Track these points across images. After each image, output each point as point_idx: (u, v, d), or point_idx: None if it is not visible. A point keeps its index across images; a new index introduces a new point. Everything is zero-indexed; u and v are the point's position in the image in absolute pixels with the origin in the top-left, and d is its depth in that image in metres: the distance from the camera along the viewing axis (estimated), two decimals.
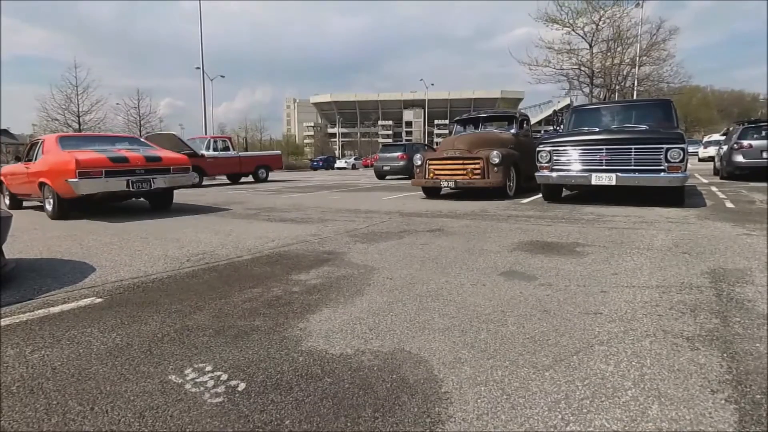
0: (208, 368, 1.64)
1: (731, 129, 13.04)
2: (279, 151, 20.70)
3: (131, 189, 6.23)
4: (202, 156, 14.06)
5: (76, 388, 1.52)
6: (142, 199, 7.77)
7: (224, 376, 1.58)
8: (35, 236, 4.66)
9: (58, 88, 29.24)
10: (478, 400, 1.39)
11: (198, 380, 1.56)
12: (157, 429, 1.28)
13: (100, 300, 2.49)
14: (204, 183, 14.46)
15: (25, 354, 1.80)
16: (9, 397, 1.47)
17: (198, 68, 26.06)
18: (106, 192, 6.10)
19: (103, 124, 31.51)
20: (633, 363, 1.61)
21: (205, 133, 23.74)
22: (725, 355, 1.66)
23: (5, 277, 2.82)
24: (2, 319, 2.20)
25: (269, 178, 16.91)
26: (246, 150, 24.24)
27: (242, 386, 1.51)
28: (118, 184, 6.11)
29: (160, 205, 7.41)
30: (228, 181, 16.14)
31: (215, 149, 14.82)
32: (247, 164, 15.87)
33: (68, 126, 29.82)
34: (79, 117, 29.70)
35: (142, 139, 8.36)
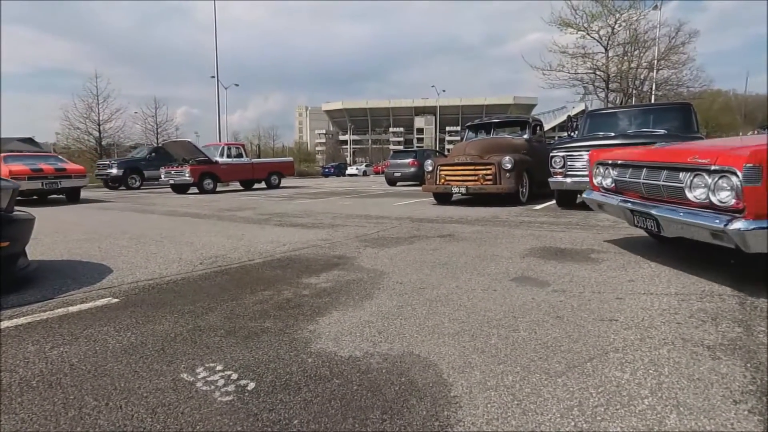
0: (219, 367, 1.66)
1: (755, 134, 12.70)
2: (291, 158, 20.90)
3: (44, 188, 10.40)
4: (216, 162, 14.25)
5: (92, 383, 1.55)
6: (63, 196, 11.43)
7: (234, 376, 1.59)
8: (56, 239, 4.78)
9: (80, 97, 30.04)
10: (488, 405, 1.37)
11: (209, 379, 1.57)
12: (169, 425, 1.30)
13: (116, 300, 2.54)
14: (218, 189, 14.65)
15: (44, 350, 1.85)
16: (29, 391, 1.50)
17: (213, 77, 26.55)
18: (29, 189, 10.07)
19: (122, 132, 32.25)
20: (650, 371, 1.57)
21: (219, 140, 24.10)
22: (749, 365, 1.60)
23: (28, 277, 2.90)
24: (24, 317, 2.26)
25: (281, 185, 17.04)
26: (259, 157, 24.49)
27: (252, 386, 1.52)
28: (35, 184, 10.18)
29: (72, 199, 11.14)
30: (241, 188, 16.33)
31: (229, 156, 15.01)
32: (260, 171, 16.03)
33: (89, 134, 30.54)
34: (99, 125, 30.37)
35: (60, 157, 12.56)
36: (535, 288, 2.64)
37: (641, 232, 4.15)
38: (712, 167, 2.44)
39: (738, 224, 2.30)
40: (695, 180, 2.59)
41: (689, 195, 2.62)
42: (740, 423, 1.26)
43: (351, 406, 1.38)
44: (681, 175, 2.68)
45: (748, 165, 2.30)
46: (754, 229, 2.28)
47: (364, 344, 1.86)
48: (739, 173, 2.30)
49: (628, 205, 3.11)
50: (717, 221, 2.38)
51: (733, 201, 2.36)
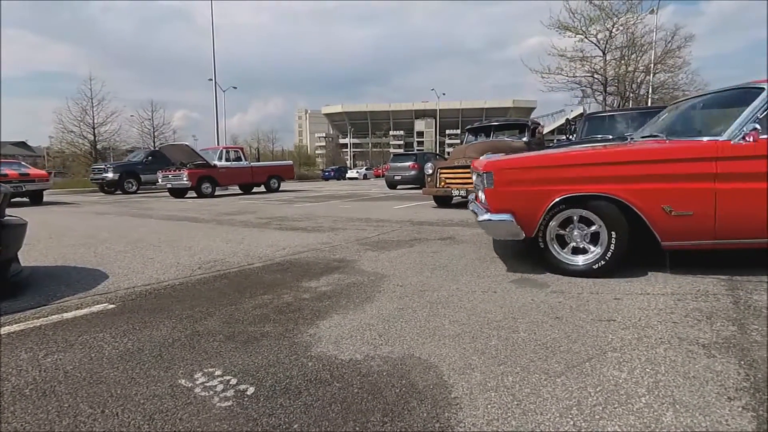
0: (218, 373, 1.65)
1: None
2: (291, 162, 20.85)
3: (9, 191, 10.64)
4: (215, 166, 14.23)
5: (88, 391, 1.54)
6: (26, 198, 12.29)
7: (233, 381, 1.59)
8: (51, 245, 4.76)
9: (74, 100, 29.70)
10: (489, 406, 1.37)
11: (207, 384, 1.57)
12: (167, 431, 1.29)
13: (112, 306, 2.53)
14: (217, 193, 14.63)
15: (38, 358, 1.83)
16: (22, 400, 1.49)
17: (210, 80, 26.52)
18: None
19: (117, 136, 32.02)
20: (647, 370, 1.58)
21: (218, 144, 24.08)
22: (743, 362, 1.62)
23: (21, 284, 2.87)
24: (17, 325, 2.24)
25: (281, 188, 17.03)
26: (258, 160, 24.48)
27: (251, 390, 1.51)
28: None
29: (35, 201, 12.13)
30: (240, 191, 16.32)
31: (227, 159, 15.00)
32: (259, 174, 15.99)
33: (84, 138, 30.33)
34: (94, 129, 30.10)
35: (23, 163, 13.65)
36: (534, 289, 2.64)
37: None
38: (481, 173, 3.18)
39: (483, 216, 3.08)
40: (479, 183, 3.28)
41: (480, 196, 3.31)
42: (734, 419, 1.27)
43: (351, 410, 1.38)
44: (478, 179, 3.35)
45: (484, 172, 3.08)
46: (491, 220, 3.02)
47: (365, 347, 1.86)
48: (483, 178, 3.09)
49: (472, 207, 3.66)
50: (477, 215, 3.16)
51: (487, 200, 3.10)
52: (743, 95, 2.88)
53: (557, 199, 2.88)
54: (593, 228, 2.92)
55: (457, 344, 1.86)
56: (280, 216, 7.40)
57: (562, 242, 3.02)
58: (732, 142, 2.66)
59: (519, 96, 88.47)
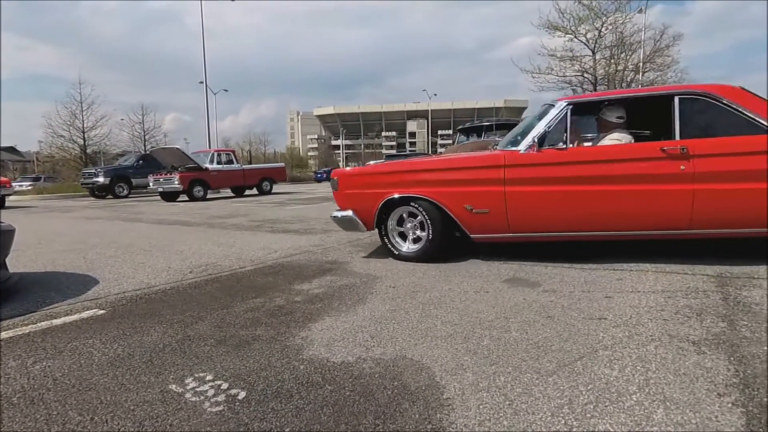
0: (209, 377, 1.64)
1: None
2: (283, 164, 20.77)
3: None
4: (206, 169, 14.14)
5: (77, 398, 1.52)
6: None
7: (225, 385, 1.57)
8: (40, 251, 4.70)
9: (63, 104, 29.24)
10: (480, 407, 1.38)
11: (198, 389, 1.55)
12: None
13: (102, 312, 2.50)
14: (208, 196, 14.53)
15: (26, 365, 1.80)
16: (10, 408, 1.46)
17: (201, 83, 26.32)
18: None
19: (108, 140, 31.59)
20: (638, 367, 1.59)
21: (209, 147, 23.92)
22: (732, 358, 1.64)
23: (9, 291, 2.83)
24: (5, 332, 2.20)
25: (273, 191, 16.94)
26: (250, 163, 24.33)
27: (242, 395, 1.50)
28: None
29: None
30: (232, 194, 16.23)
31: (219, 162, 14.91)
32: (251, 177, 15.90)
33: (73, 142, 29.92)
34: (83, 133, 29.70)
35: None
36: (526, 288, 2.66)
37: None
38: (333, 179, 3.90)
39: (333, 213, 3.85)
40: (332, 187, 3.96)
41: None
42: (724, 416, 1.28)
43: (343, 412, 1.37)
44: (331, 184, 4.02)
45: (332, 178, 3.90)
46: (337, 216, 3.79)
47: (357, 349, 1.86)
48: (332, 182, 3.86)
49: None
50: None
51: None
52: (546, 110, 3.36)
53: (386, 199, 3.50)
54: (421, 222, 3.50)
55: (449, 345, 1.86)
56: (272, 218, 7.37)
57: (403, 234, 3.65)
58: (521, 152, 3.17)
59: (511, 96, 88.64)
